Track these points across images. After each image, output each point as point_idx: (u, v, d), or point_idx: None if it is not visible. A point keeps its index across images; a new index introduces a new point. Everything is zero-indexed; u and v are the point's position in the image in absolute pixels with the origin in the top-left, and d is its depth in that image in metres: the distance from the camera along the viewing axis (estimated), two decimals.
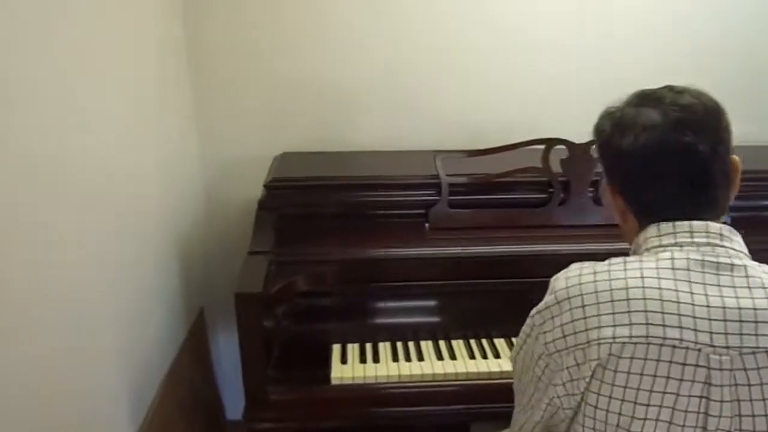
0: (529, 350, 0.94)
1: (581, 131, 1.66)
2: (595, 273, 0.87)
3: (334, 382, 1.39)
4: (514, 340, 1.51)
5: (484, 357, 1.46)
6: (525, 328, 0.96)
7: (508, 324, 1.54)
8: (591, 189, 1.60)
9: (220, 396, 2.17)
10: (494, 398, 1.39)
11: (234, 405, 2.23)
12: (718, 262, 0.83)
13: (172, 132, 1.75)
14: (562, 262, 1.53)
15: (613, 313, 0.83)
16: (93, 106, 1.23)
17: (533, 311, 0.94)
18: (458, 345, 1.51)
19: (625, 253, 1.53)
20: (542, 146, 1.58)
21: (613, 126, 0.92)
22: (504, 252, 1.52)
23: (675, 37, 1.96)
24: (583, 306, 0.85)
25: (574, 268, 0.91)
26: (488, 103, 1.98)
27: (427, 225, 1.58)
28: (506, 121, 1.97)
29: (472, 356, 1.46)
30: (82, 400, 1.18)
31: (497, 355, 1.46)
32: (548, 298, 0.91)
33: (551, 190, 1.61)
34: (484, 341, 1.52)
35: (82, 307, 1.17)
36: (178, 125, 1.80)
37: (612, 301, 0.83)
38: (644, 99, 0.91)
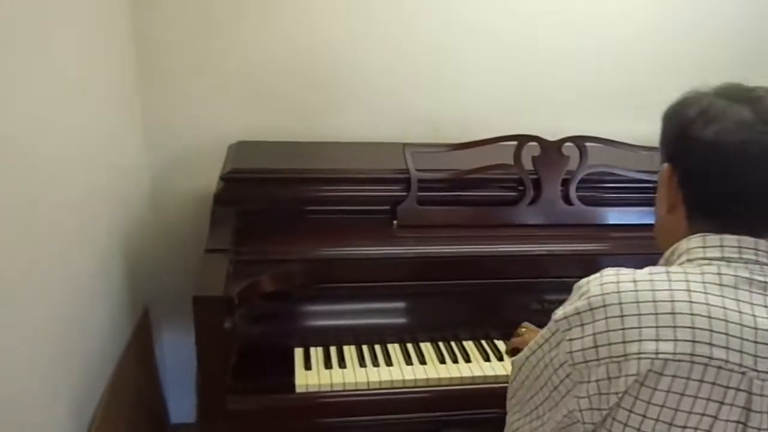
0: (546, 356, 0.87)
1: (549, 131, 1.64)
2: (635, 282, 0.81)
3: (298, 390, 1.30)
4: (483, 342, 1.47)
5: (455, 361, 1.40)
6: (544, 332, 0.88)
7: (476, 326, 1.50)
8: (562, 188, 1.56)
9: (165, 399, 2.04)
10: (466, 404, 1.34)
11: (178, 408, 2.10)
12: (766, 282, 0.79)
13: (113, 116, 1.61)
14: (533, 262, 1.53)
15: (657, 327, 0.77)
16: (19, 88, 1.08)
17: (558, 315, 0.86)
18: (427, 348, 1.44)
19: (590, 255, 1.54)
20: (514, 144, 1.53)
21: (699, 113, 0.84)
22: (473, 252, 1.46)
23: (648, 39, 1.95)
24: (622, 316, 0.79)
25: (610, 273, 0.84)
26: (453, 101, 1.92)
27: (395, 222, 1.51)
28: (471, 119, 1.92)
29: (442, 360, 1.39)
30: (14, 409, 1.05)
31: (468, 359, 1.40)
32: (579, 303, 0.83)
33: (522, 188, 1.57)
34: (453, 344, 1.46)
35: (13, 308, 1.04)
36: (119, 108, 1.66)
37: (656, 314, 0.77)
38: (738, 94, 0.84)
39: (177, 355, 2.05)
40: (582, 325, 0.82)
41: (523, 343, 1.38)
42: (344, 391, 1.31)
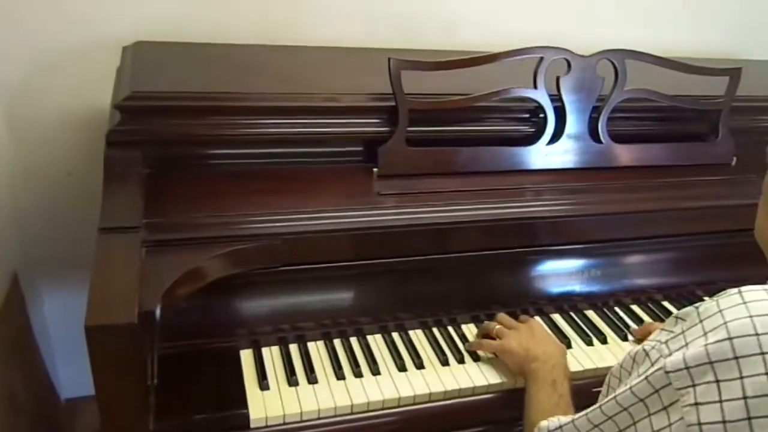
0: (641, 423, 0.62)
1: (551, 39, 1.23)
2: None
3: (255, 425, 0.89)
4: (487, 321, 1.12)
5: (460, 361, 1.04)
6: (637, 386, 0.62)
7: (476, 304, 1.13)
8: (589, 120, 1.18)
9: (50, 377, 1.58)
10: (485, 417, 1.01)
11: (70, 380, 1.66)
12: None
13: None
14: (551, 226, 1.14)
15: None
16: None
17: (671, 362, 0.59)
18: (419, 340, 1.07)
19: (619, 214, 1.17)
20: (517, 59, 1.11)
21: None
22: (479, 216, 1.05)
23: None
24: None
25: (762, 297, 0.57)
26: None
27: (375, 170, 1.08)
28: (457, 19, 1.46)
29: (444, 361, 1.03)
30: None
31: (475, 357, 1.05)
32: (712, 344, 0.56)
33: (536, 119, 1.17)
34: (451, 330, 1.10)
35: None
36: None
37: None
38: None
39: (62, 318, 1.58)
40: (719, 381, 0.56)
41: (501, 351, 1.03)
42: (319, 420, 0.93)
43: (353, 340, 1.06)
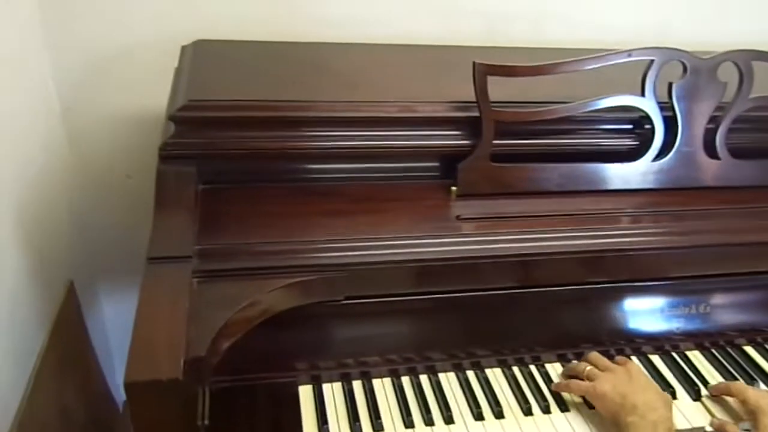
0: None
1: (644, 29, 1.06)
2: None
3: None
4: (575, 361, 0.98)
5: (546, 411, 0.91)
6: None
7: (564, 342, 1.00)
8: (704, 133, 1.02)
9: (107, 386, 1.54)
10: None
11: None
12: None
13: None
14: (661, 259, 0.94)
15: None
16: None
17: None
18: (497, 381, 0.95)
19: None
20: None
21: None
22: (580, 247, 0.90)
23: None
24: None
25: None
26: None
27: (453, 189, 0.96)
28: (538, 8, 1.31)
29: (527, 410, 0.91)
30: None
31: (563, 406, 0.92)
32: None
33: (639, 130, 1.02)
34: (533, 370, 0.97)
35: None
36: None
37: None
38: None
39: (121, 323, 1.53)
40: None
41: (593, 395, 0.89)
42: None
43: (423, 378, 0.94)
